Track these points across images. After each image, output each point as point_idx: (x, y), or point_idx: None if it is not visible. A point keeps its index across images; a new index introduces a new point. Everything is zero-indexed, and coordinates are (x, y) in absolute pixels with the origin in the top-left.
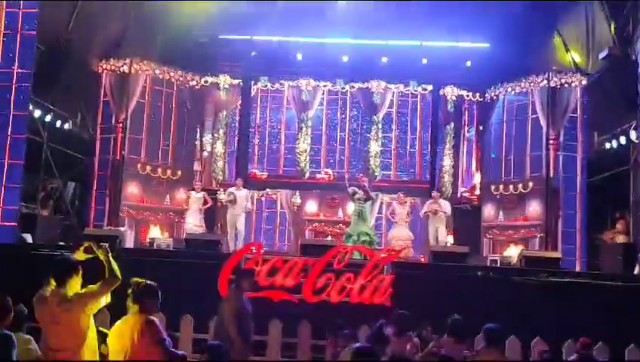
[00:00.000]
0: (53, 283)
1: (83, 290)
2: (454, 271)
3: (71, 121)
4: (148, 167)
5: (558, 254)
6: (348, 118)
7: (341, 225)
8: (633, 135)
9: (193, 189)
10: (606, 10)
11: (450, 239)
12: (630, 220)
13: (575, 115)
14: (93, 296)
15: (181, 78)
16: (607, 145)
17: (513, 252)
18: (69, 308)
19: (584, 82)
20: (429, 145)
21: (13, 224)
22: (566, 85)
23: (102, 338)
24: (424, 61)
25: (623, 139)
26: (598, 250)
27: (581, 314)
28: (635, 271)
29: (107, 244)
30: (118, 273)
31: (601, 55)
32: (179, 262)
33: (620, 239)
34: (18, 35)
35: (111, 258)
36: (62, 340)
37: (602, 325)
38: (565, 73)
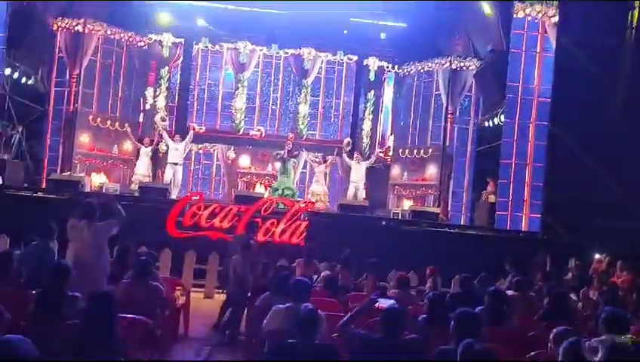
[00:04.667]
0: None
1: (103, 222)
2: (356, 220)
3: (33, 77)
4: (98, 119)
5: (437, 209)
6: (281, 81)
7: (269, 178)
8: (502, 118)
9: (141, 142)
10: (495, 10)
11: (364, 193)
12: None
13: (469, 94)
14: (111, 227)
15: (130, 39)
16: (486, 124)
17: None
18: (97, 232)
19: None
20: (352, 109)
21: None
22: (464, 68)
23: None
24: (345, 32)
25: (496, 120)
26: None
27: (448, 255)
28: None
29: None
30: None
31: (488, 48)
32: (134, 205)
33: (492, 199)
34: None
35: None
36: (89, 256)
37: (458, 263)
38: (465, 57)
